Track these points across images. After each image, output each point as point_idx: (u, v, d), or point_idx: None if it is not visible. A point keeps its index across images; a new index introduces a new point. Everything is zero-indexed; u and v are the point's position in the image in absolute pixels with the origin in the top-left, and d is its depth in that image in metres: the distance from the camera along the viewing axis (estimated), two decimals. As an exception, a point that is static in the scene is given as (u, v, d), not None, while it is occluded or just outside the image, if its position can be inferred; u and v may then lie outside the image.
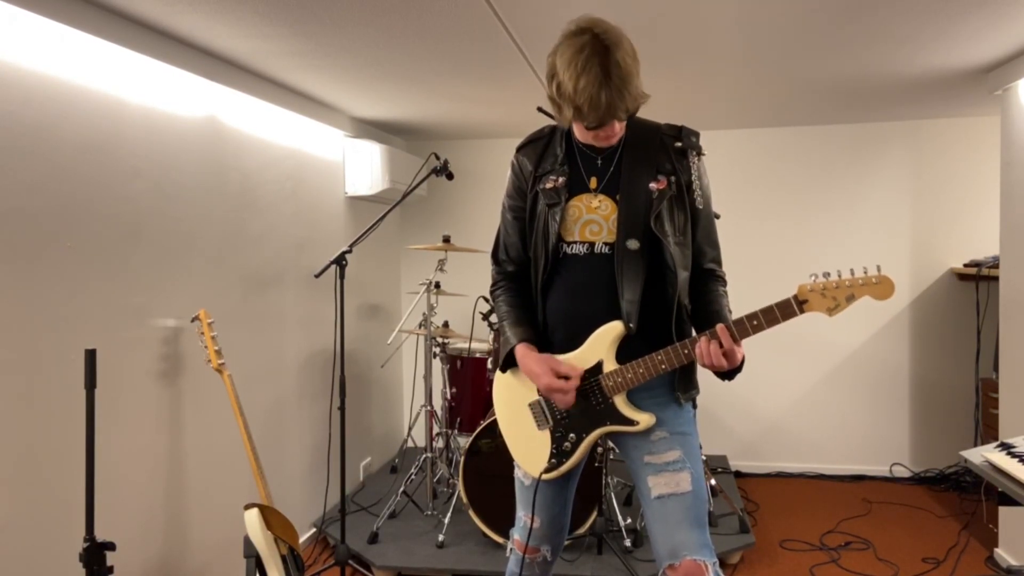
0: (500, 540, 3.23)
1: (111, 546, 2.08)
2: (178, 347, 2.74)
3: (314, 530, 3.70)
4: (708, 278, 1.89)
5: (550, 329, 1.92)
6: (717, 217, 2.04)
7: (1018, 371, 3.19)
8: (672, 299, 1.81)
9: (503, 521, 3.21)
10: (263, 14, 2.41)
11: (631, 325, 1.78)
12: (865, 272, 1.67)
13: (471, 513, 3.27)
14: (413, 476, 3.84)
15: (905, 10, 2.48)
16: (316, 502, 3.74)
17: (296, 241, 3.64)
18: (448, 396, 3.90)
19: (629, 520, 3.35)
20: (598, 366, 1.82)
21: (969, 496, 4.20)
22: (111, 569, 2.08)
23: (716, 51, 2.97)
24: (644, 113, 1.87)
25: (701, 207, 1.86)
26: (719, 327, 1.71)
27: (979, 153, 4.44)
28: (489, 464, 3.24)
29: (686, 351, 1.74)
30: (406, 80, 3.32)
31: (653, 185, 1.81)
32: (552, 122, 1.93)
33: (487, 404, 3.79)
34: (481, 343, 4.05)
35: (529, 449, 1.95)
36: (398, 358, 4.98)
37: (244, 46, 2.76)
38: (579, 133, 1.87)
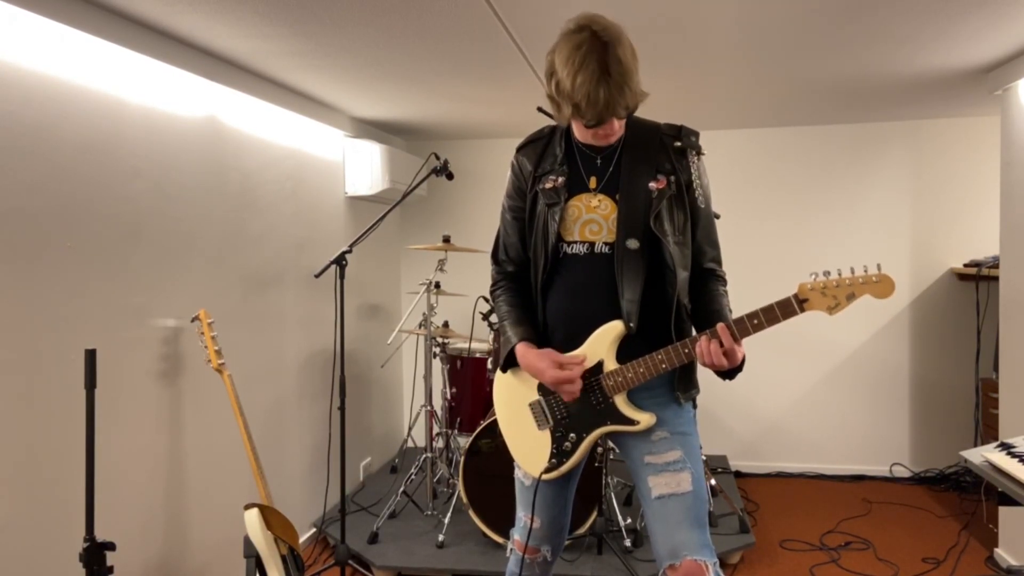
0: (500, 540, 3.23)
1: (111, 546, 2.08)
2: (178, 347, 2.74)
3: (314, 530, 3.70)
4: (708, 278, 1.89)
5: (550, 329, 1.92)
6: (717, 217, 2.04)
7: (1018, 371, 3.19)
8: (672, 299, 1.81)
9: (503, 521, 3.21)
10: (263, 14, 2.41)
11: (631, 325, 1.78)
12: (865, 271, 1.67)
13: (471, 513, 3.27)
14: (413, 476, 3.84)
15: (905, 10, 2.48)
16: (316, 502, 3.74)
17: (296, 241, 3.64)
18: (448, 396, 3.90)
19: (629, 520, 3.35)
20: (598, 366, 1.82)
21: (969, 496, 4.20)
22: (111, 569, 2.08)
23: (716, 51, 2.97)
24: (644, 113, 1.87)
25: (701, 207, 1.86)
26: (719, 326, 1.71)
27: (979, 153, 4.44)
28: (489, 464, 3.24)
29: (686, 350, 1.74)
30: (406, 80, 3.32)
31: (653, 184, 1.81)
32: (552, 122, 1.93)
33: (487, 404, 3.79)
34: (481, 343, 4.05)
35: (529, 449, 1.95)
36: (398, 358, 4.98)
37: (244, 46, 2.76)
38: (579, 133, 1.87)
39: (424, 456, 3.82)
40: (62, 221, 2.23)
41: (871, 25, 2.63)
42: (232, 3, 2.31)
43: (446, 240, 3.85)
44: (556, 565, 2.12)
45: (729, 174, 4.68)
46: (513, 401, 1.98)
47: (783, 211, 4.70)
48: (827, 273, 1.68)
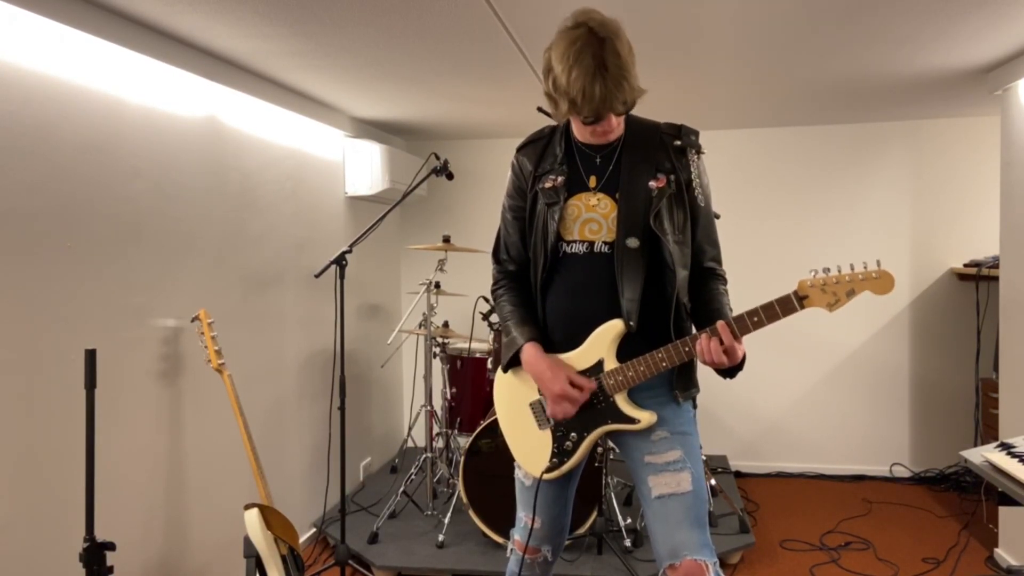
0: (500, 540, 3.23)
1: (111, 546, 2.08)
2: (178, 347, 2.74)
3: (314, 530, 3.70)
4: (708, 277, 1.89)
5: (550, 328, 1.92)
6: (717, 217, 2.03)
7: (1018, 371, 3.19)
8: (671, 297, 1.80)
9: (503, 521, 3.21)
10: (263, 14, 2.41)
11: (631, 323, 1.78)
12: (865, 267, 1.67)
13: (471, 513, 3.27)
14: (413, 476, 3.84)
15: (905, 10, 2.48)
16: (316, 502, 3.74)
17: (296, 241, 3.64)
18: (448, 396, 3.90)
19: (629, 520, 3.35)
20: (598, 365, 1.82)
21: (969, 496, 4.19)
22: (111, 569, 2.08)
23: (716, 51, 2.97)
24: (643, 113, 1.87)
25: (701, 205, 1.86)
26: (719, 324, 1.71)
27: (979, 153, 4.44)
28: (489, 464, 3.24)
29: (687, 348, 1.74)
30: (406, 80, 3.32)
31: (652, 183, 1.81)
32: (552, 123, 1.93)
33: (487, 404, 3.79)
34: (481, 343, 4.04)
35: (530, 449, 1.95)
36: (398, 358, 4.98)
37: (244, 46, 2.76)
38: (578, 131, 1.87)
39: (424, 456, 3.82)
40: (62, 221, 2.23)
41: (871, 25, 2.63)
42: (232, 3, 2.31)
43: (446, 240, 3.85)
44: (556, 565, 2.12)
45: (729, 174, 4.68)
46: (514, 401, 1.98)
47: (783, 211, 4.70)
48: (827, 270, 1.68)
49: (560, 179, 1.86)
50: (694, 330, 1.85)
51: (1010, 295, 3.26)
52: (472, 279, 4.57)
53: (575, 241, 1.85)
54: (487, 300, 3.89)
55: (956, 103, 4.00)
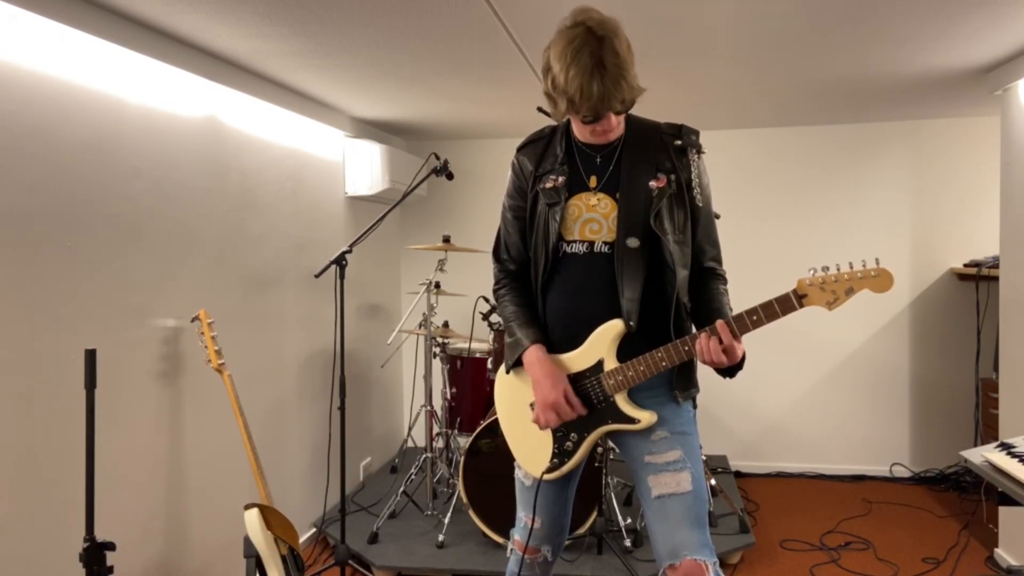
0: (500, 540, 3.23)
1: (111, 546, 2.07)
2: (178, 347, 2.74)
3: (314, 530, 3.70)
4: (708, 276, 1.89)
5: (550, 328, 1.92)
6: (717, 217, 2.03)
7: (1018, 371, 3.19)
8: (671, 297, 1.80)
9: (503, 521, 3.21)
10: (263, 14, 2.41)
11: (631, 323, 1.78)
12: (864, 265, 1.67)
13: (471, 513, 3.27)
14: (413, 476, 3.84)
15: (905, 10, 2.48)
16: (316, 502, 3.74)
17: (296, 241, 3.64)
18: (448, 396, 3.90)
19: (629, 520, 3.35)
20: (599, 364, 1.82)
21: (969, 496, 4.20)
22: (111, 569, 2.08)
23: (716, 51, 2.97)
24: (643, 113, 1.87)
25: (701, 205, 1.86)
26: (719, 323, 1.71)
27: (979, 153, 4.44)
28: (489, 464, 3.24)
29: (686, 348, 1.74)
30: (406, 80, 3.32)
31: (653, 183, 1.81)
32: (552, 123, 1.93)
33: (487, 404, 3.79)
34: (481, 343, 4.04)
35: (531, 449, 1.95)
36: (398, 358, 4.98)
37: (244, 46, 2.77)
38: (578, 131, 1.87)
39: (424, 456, 3.82)
40: (62, 221, 2.23)
41: (871, 25, 2.63)
42: (232, 3, 2.31)
43: (446, 240, 3.85)
44: (556, 565, 2.12)
45: (729, 174, 4.68)
46: (515, 401, 1.98)
47: (783, 211, 4.70)
48: (826, 268, 1.68)
49: (561, 179, 1.86)
50: (694, 330, 1.85)
51: (1010, 295, 3.26)
52: (472, 279, 4.57)
53: (575, 241, 1.85)
54: (487, 300, 3.89)
55: (956, 103, 4.00)
